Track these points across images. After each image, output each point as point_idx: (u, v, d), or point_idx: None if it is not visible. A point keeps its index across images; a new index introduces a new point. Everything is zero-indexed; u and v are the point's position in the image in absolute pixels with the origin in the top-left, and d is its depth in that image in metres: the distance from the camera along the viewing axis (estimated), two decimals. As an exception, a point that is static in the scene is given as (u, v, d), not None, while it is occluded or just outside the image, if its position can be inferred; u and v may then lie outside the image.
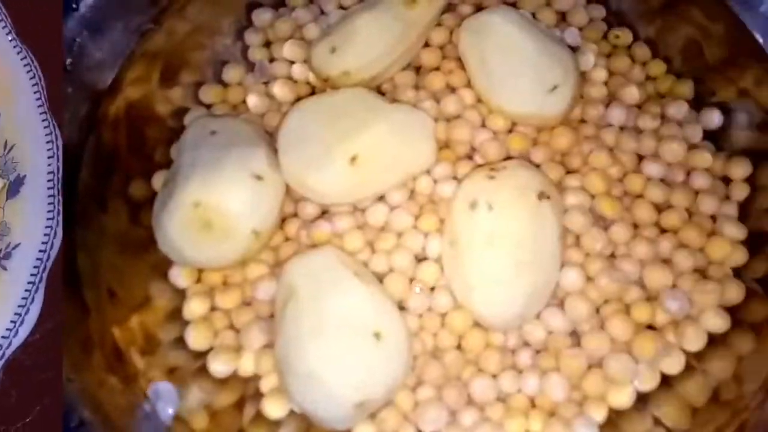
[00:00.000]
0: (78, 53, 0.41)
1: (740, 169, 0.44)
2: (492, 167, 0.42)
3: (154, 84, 0.45)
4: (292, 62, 0.49)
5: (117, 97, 0.43)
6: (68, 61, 0.41)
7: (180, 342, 0.42)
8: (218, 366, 0.42)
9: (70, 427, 0.36)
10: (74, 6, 0.41)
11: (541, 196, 0.41)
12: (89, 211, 0.41)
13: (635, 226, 0.43)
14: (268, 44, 0.51)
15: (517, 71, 0.44)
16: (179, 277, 0.44)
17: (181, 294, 0.44)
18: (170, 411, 0.40)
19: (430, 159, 0.44)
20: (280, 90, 0.48)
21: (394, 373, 0.38)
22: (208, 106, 0.49)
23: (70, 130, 0.41)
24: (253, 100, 0.48)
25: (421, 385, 0.40)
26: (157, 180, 0.45)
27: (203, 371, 0.42)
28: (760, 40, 0.42)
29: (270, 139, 0.45)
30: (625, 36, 0.50)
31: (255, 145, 0.43)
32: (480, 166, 0.44)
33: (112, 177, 0.43)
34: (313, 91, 0.48)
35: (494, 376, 0.40)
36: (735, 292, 0.41)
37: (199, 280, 0.44)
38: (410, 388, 0.40)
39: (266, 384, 0.42)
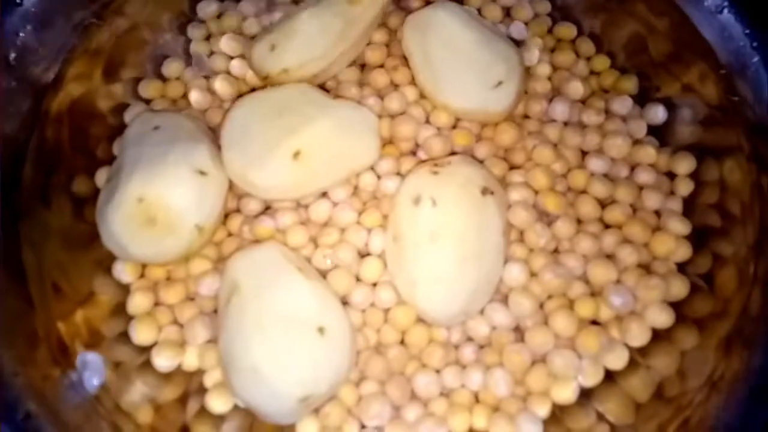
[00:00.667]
0: (21, 48, 0.41)
1: (684, 165, 0.44)
2: (436, 163, 0.42)
3: (97, 80, 0.45)
4: (231, 57, 0.49)
5: (60, 93, 0.43)
6: (11, 56, 0.41)
7: (124, 337, 0.42)
8: (162, 361, 0.42)
9: (16, 420, 0.36)
10: (17, 1, 0.41)
11: (485, 191, 0.41)
12: (33, 207, 0.41)
13: (579, 221, 0.43)
14: (209, 38, 0.50)
15: (461, 67, 0.43)
16: (123, 272, 0.44)
17: (125, 289, 0.44)
18: (95, 382, 0.39)
19: (374, 155, 0.44)
20: (221, 86, 0.47)
21: (337, 368, 0.39)
22: (148, 102, 0.49)
23: (12, 125, 0.41)
24: (195, 96, 0.47)
25: (365, 380, 0.41)
26: (101, 176, 0.45)
27: (147, 366, 0.42)
28: (705, 36, 0.41)
29: (213, 134, 0.45)
30: (569, 31, 0.50)
31: (198, 140, 0.43)
32: (424, 161, 0.44)
33: (55, 173, 0.43)
34: (253, 89, 0.48)
35: (438, 372, 0.41)
36: (679, 288, 0.41)
37: (142, 276, 0.44)
38: (354, 383, 0.41)
39: (210, 379, 0.42)
